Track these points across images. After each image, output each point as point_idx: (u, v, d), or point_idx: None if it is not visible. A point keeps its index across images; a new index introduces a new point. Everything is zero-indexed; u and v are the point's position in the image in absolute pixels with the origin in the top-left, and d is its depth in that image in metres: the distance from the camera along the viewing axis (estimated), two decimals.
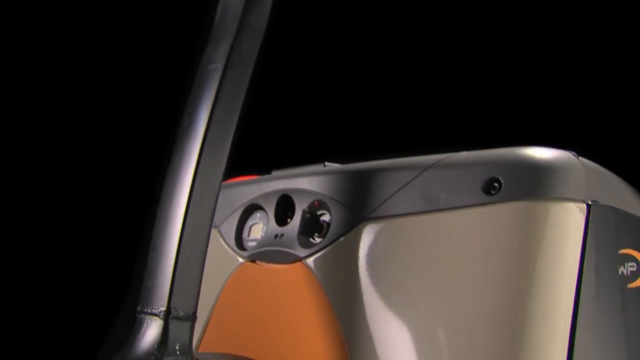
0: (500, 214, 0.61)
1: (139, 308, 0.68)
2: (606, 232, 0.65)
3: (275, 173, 0.84)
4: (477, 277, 0.61)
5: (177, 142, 0.70)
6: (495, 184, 0.62)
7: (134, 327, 0.68)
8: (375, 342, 0.65)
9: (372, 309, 0.67)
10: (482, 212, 0.62)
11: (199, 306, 0.83)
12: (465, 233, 0.62)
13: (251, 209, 0.84)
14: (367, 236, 0.69)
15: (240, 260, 0.81)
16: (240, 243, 0.83)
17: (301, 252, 0.74)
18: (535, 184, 0.60)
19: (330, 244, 0.72)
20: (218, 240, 0.86)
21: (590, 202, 0.63)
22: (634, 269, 0.71)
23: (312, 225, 0.74)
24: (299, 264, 0.74)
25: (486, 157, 0.64)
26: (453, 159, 0.66)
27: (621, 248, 0.70)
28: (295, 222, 0.76)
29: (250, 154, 0.96)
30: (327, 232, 0.73)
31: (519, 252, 0.59)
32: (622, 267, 0.70)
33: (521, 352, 0.58)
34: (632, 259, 0.71)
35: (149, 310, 0.66)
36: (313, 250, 0.73)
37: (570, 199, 0.61)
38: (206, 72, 0.71)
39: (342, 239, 0.71)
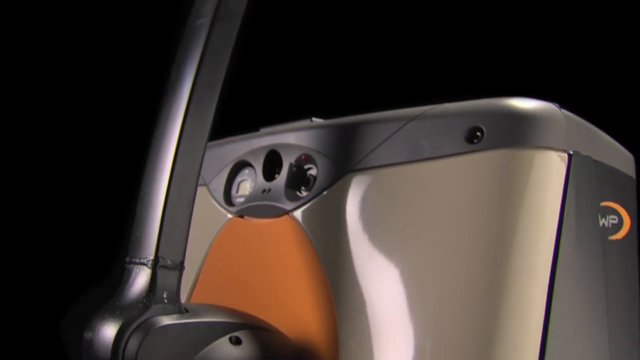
0: (482, 162, 0.62)
1: (127, 259, 0.69)
2: (587, 182, 0.66)
3: (263, 130, 0.85)
4: (460, 224, 0.62)
5: (166, 96, 0.71)
6: (478, 133, 0.63)
7: (122, 278, 0.69)
8: (359, 290, 0.67)
9: (357, 258, 0.68)
10: (465, 160, 0.63)
11: (189, 262, 0.84)
12: (449, 181, 0.63)
13: (240, 166, 0.85)
14: (353, 187, 0.70)
15: (229, 216, 0.82)
16: (228, 199, 0.84)
17: (288, 205, 0.75)
18: (517, 132, 0.61)
19: (316, 196, 0.73)
20: (207, 197, 0.87)
21: (571, 152, 0.64)
22: (615, 221, 0.73)
23: (298, 179, 0.75)
24: (285, 217, 0.75)
25: (469, 107, 0.65)
26: (437, 110, 0.67)
27: (602, 200, 0.71)
28: (283, 176, 0.77)
29: (239, 112, 0.97)
30: (314, 185, 0.74)
31: (501, 199, 0.60)
32: (603, 219, 0.71)
33: (502, 295, 0.59)
34: (614, 211, 0.73)
35: (137, 260, 0.67)
36: (300, 203, 0.74)
37: (551, 148, 0.62)
38: (194, 27, 0.72)
39: (328, 190, 0.72)
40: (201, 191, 0.88)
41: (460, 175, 0.63)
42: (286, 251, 0.74)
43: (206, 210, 0.85)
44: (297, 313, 0.73)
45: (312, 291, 0.71)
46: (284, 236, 0.75)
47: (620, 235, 0.73)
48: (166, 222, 0.67)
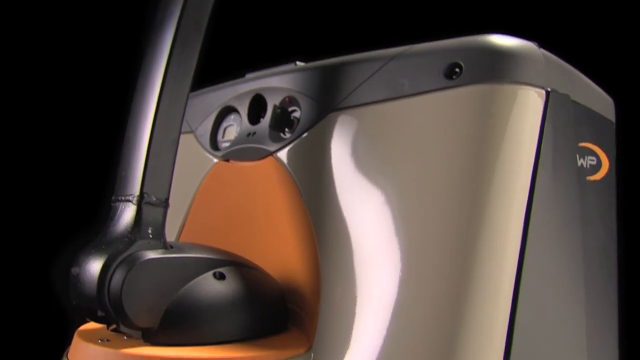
0: (460, 97, 0.63)
1: (113, 198, 0.70)
2: (565, 121, 0.67)
3: (248, 75, 0.85)
4: (439, 158, 0.63)
5: (150, 36, 0.71)
6: (457, 69, 0.63)
7: (108, 215, 0.71)
8: (341, 227, 0.68)
9: (340, 195, 0.69)
10: (444, 96, 0.63)
11: (176, 207, 0.85)
12: (427, 116, 0.64)
13: (225, 112, 0.85)
14: (335, 126, 0.71)
15: (215, 160, 0.83)
16: (214, 144, 0.85)
17: (272, 146, 0.76)
18: (495, 68, 0.62)
19: (299, 136, 0.74)
20: (193, 143, 0.88)
21: (549, 89, 0.65)
22: (594, 162, 0.74)
23: (282, 121, 0.76)
24: (270, 158, 0.76)
25: (448, 45, 0.65)
26: (416, 49, 0.67)
27: (581, 141, 0.72)
28: (267, 119, 0.78)
29: (225, 60, 0.97)
30: (297, 126, 0.75)
31: (478, 133, 0.61)
32: (581, 160, 0.72)
33: (479, 228, 0.60)
34: (592, 152, 0.74)
35: (123, 198, 0.69)
36: (283, 143, 0.75)
37: (529, 84, 0.63)
38: None
39: (310, 130, 0.73)
40: (188, 138, 0.89)
41: (439, 110, 0.64)
42: (270, 192, 0.75)
43: (193, 156, 0.86)
44: (281, 253, 0.74)
45: (295, 231, 0.73)
46: (268, 177, 0.76)
47: (598, 176, 0.75)
48: (151, 159, 0.68)
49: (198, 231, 0.83)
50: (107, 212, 0.71)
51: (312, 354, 0.65)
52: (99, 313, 0.68)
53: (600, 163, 0.75)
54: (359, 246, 0.66)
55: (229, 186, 0.81)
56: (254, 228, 0.77)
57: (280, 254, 0.74)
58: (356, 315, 0.64)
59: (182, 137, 0.88)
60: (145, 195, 0.68)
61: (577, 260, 0.70)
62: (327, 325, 0.66)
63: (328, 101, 0.72)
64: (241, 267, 0.70)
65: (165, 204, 0.69)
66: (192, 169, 0.85)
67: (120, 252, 0.65)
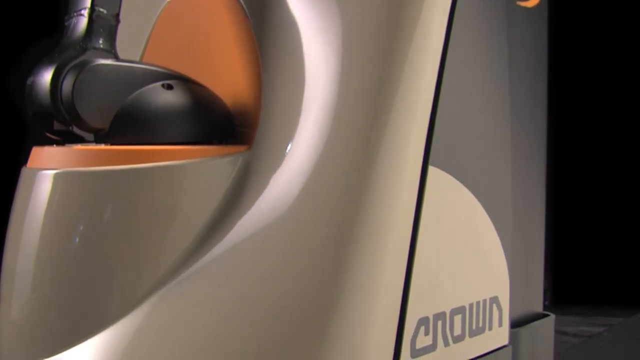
0: None
1: (66, 17, 0.74)
2: None
3: None
4: None
5: None
6: None
7: (62, 34, 0.74)
8: (281, 36, 0.72)
9: (283, 16, 0.73)
10: None
11: (133, 47, 0.89)
12: None
13: None
14: None
15: None
16: None
17: None
18: None
19: None
20: None
21: None
22: None
23: None
24: None
25: None
26: None
27: None
28: None
29: None
30: None
31: None
32: None
33: (403, 29, 0.64)
34: None
35: (75, 14, 0.72)
36: None
37: None
38: None
39: None
40: None
41: None
42: (219, 19, 0.79)
43: None
44: (228, 75, 0.78)
45: (241, 52, 0.77)
46: (217, 5, 0.79)
47: (529, 3, 0.79)
48: None
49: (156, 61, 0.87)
50: (61, 30, 0.75)
51: (252, 152, 0.70)
52: (55, 126, 0.73)
53: None
54: (299, 52, 0.70)
55: (181, 19, 0.84)
56: (204, 55, 0.81)
57: (227, 76, 0.78)
58: (291, 118, 0.69)
59: None
60: (96, 8, 0.71)
61: (503, 76, 0.74)
62: (266, 127, 0.71)
63: None
64: (188, 82, 0.74)
65: (116, 18, 0.72)
66: (146, 9, 0.89)
67: (72, 58, 0.69)
